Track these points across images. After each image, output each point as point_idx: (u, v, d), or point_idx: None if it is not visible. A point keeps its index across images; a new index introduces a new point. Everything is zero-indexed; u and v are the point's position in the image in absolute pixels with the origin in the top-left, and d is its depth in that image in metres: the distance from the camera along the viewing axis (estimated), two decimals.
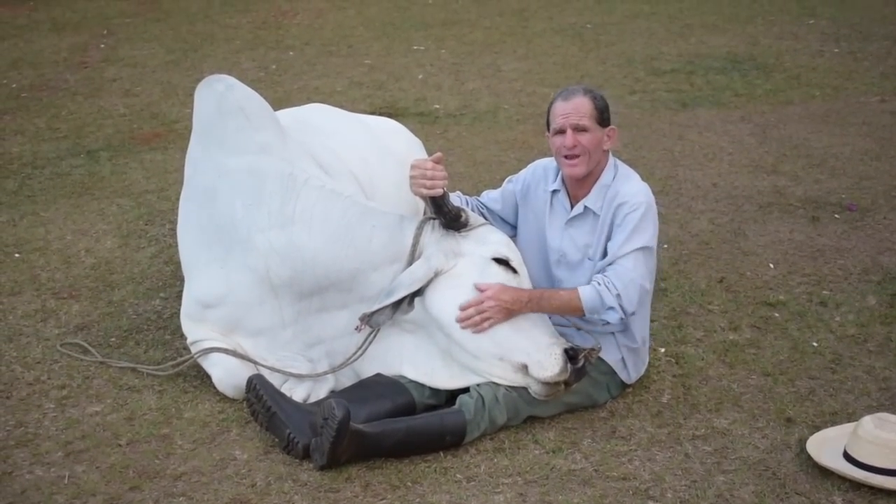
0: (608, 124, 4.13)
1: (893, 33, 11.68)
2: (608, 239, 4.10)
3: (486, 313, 3.89)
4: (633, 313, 4.02)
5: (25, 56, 10.96)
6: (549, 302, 4.00)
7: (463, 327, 3.92)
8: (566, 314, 4.09)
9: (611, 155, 4.21)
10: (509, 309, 3.92)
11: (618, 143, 4.19)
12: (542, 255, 4.31)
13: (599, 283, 3.95)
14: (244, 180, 4.12)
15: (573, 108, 4.06)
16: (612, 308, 3.93)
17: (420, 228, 4.04)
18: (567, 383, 3.93)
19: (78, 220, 6.23)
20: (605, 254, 4.11)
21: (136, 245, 5.88)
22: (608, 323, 4.07)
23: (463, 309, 3.91)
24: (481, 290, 3.92)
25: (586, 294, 3.95)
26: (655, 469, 3.79)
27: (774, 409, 4.18)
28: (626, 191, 4.09)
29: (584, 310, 3.97)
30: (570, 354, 3.92)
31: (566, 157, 4.08)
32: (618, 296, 3.92)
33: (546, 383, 3.90)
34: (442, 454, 3.85)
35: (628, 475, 3.75)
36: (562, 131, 4.07)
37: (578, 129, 4.03)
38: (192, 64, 10.62)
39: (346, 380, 4.20)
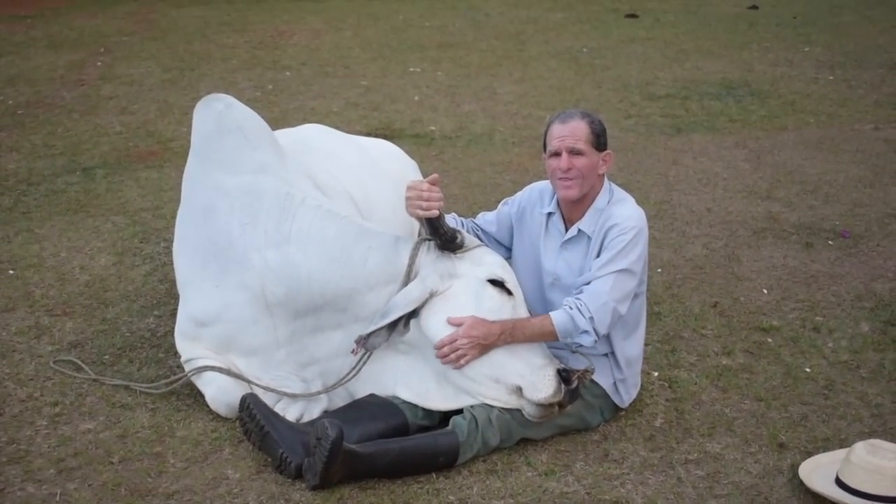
0: (604, 149, 4.14)
1: (888, 61, 11.76)
2: None
3: (459, 351, 3.90)
4: (605, 335, 4.03)
5: (22, 73, 10.98)
6: (521, 332, 3.99)
7: (443, 363, 3.93)
8: (540, 340, 4.06)
9: (606, 179, 4.22)
10: (483, 344, 3.92)
11: (613, 167, 4.19)
12: (537, 277, 4.32)
13: (571, 308, 3.95)
14: (241, 199, 4.13)
15: (569, 132, 4.07)
16: (585, 331, 3.94)
17: (416, 249, 4.05)
18: (561, 405, 3.94)
19: (73, 238, 6.23)
20: None
21: (131, 263, 5.87)
22: (580, 346, 4.06)
23: (437, 347, 3.92)
24: (455, 325, 3.92)
25: (558, 319, 3.95)
26: (648, 493, 3.78)
27: (767, 435, 4.18)
28: (619, 214, 4.10)
29: (558, 335, 3.97)
30: (564, 376, 3.93)
31: (560, 179, 4.09)
32: (591, 318, 3.92)
33: (540, 405, 3.91)
34: (435, 475, 3.84)
35: (620, 499, 3.74)
36: (557, 154, 4.08)
37: (574, 152, 4.05)
38: (188, 83, 10.65)
39: (340, 400, 4.20)
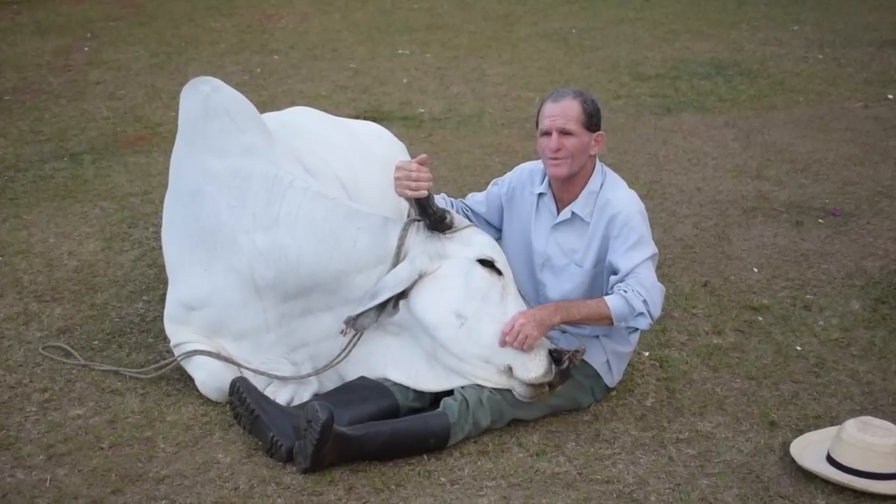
0: (597, 129, 4.11)
1: (877, 39, 11.76)
2: (602, 249, 4.11)
3: (522, 332, 3.87)
4: (658, 317, 4.03)
5: (8, 59, 10.92)
6: (577, 310, 3.97)
7: (513, 346, 3.91)
8: (594, 322, 4.04)
9: (598, 161, 4.21)
10: (542, 322, 3.91)
11: (603, 147, 4.19)
12: (527, 258, 4.31)
13: (626, 291, 3.92)
14: (229, 182, 4.11)
15: (560, 111, 4.05)
16: (641, 314, 3.92)
17: (405, 230, 4.03)
18: (551, 385, 3.94)
19: (61, 223, 6.20)
20: (596, 262, 4.13)
21: (120, 248, 5.85)
22: (636, 330, 4.09)
23: (502, 340, 3.90)
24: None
25: (614, 303, 3.92)
26: (639, 472, 3.79)
27: (758, 413, 4.19)
28: (617, 200, 4.09)
29: (613, 318, 3.93)
30: (555, 356, 3.92)
31: (550, 158, 4.07)
32: (644, 301, 3.90)
33: (530, 385, 3.90)
34: (426, 457, 3.84)
35: (612, 478, 3.75)
36: (548, 133, 4.06)
37: (564, 132, 4.02)
38: (176, 67, 10.60)
39: (330, 383, 4.19)
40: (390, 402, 4.00)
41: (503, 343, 3.90)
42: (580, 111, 4.05)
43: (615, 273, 4.01)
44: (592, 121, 4.09)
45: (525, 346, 3.87)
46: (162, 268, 4.72)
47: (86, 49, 11.42)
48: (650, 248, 4.03)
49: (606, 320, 3.95)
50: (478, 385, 3.96)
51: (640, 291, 3.90)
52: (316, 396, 4.11)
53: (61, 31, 12.44)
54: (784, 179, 7.09)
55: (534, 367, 3.90)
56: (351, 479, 3.71)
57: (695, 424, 4.11)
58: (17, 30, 12.51)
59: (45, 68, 10.53)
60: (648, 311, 3.92)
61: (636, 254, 3.99)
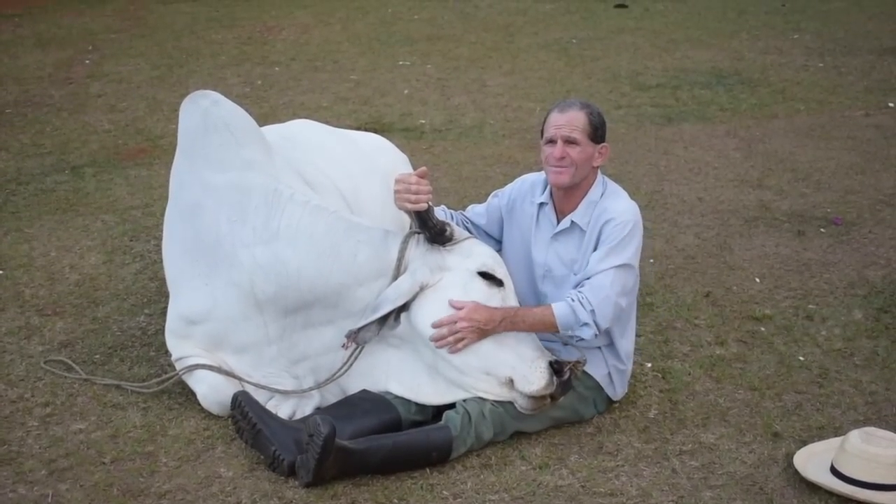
0: (602, 141, 4.12)
1: (877, 47, 11.77)
2: None
3: (458, 334, 3.88)
4: (606, 329, 4.03)
5: (10, 72, 10.93)
6: (522, 319, 3.98)
7: (437, 346, 3.91)
8: (540, 331, 4.06)
9: (599, 172, 4.21)
10: (482, 329, 3.90)
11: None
12: (528, 269, 4.31)
13: (573, 300, 3.94)
14: (229, 196, 4.11)
15: (566, 121, 4.06)
16: (586, 324, 3.93)
17: (405, 243, 4.03)
18: (553, 396, 3.93)
19: (62, 237, 6.20)
20: None
21: (121, 261, 5.85)
22: (581, 339, 4.06)
23: (436, 326, 3.90)
24: (457, 308, 3.91)
25: (560, 310, 3.95)
26: (642, 485, 3.78)
27: (761, 424, 4.18)
28: (614, 208, 4.09)
29: (558, 326, 3.96)
30: (556, 367, 3.92)
31: (553, 166, 4.07)
32: (592, 311, 3.91)
33: (532, 397, 3.90)
34: (428, 470, 3.83)
35: (615, 491, 3.74)
36: (553, 141, 4.07)
37: (569, 141, 4.03)
38: (177, 80, 10.61)
39: (332, 396, 4.18)
40: (392, 415, 3.99)
41: (433, 338, 3.90)
42: (586, 122, 4.06)
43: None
44: (598, 133, 4.10)
45: (454, 350, 3.89)
46: (163, 281, 4.71)
47: (87, 61, 11.44)
48: (623, 258, 4.00)
49: (552, 328, 3.98)
50: (480, 398, 3.95)
51: (590, 300, 3.91)
52: (318, 410, 4.10)
53: (62, 43, 12.45)
54: (785, 189, 7.09)
55: (535, 379, 3.89)
56: (353, 493, 3.70)
57: (698, 436, 4.10)
58: (18, 42, 12.53)
59: (47, 81, 10.54)
60: (595, 321, 3.92)
61: (606, 259, 3.99)
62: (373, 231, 4.07)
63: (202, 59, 11.66)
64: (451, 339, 3.89)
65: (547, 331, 4.03)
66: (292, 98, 9.89)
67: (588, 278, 4.00)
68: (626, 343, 4.23)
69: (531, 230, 4.29)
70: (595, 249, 4.08)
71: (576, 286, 4.04)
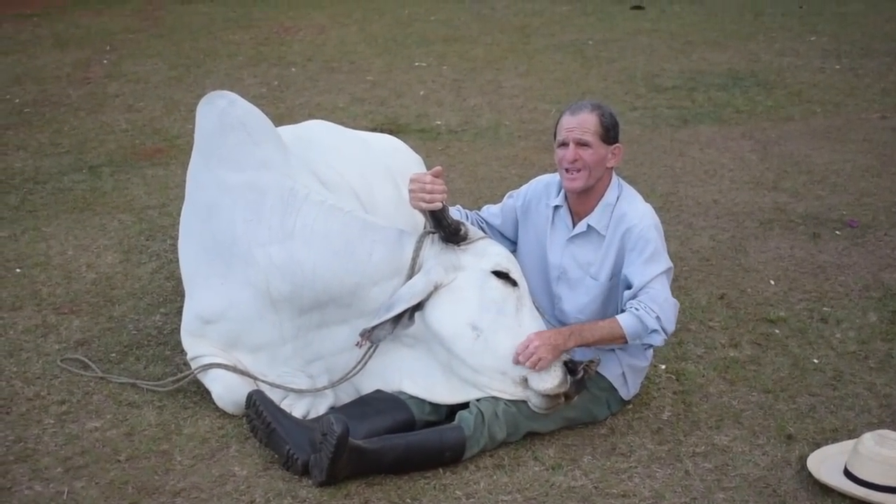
0: (614, 142, 4.12)
1: (894, 50, 11.72)
2: (617, 262, 4.11)
3: (535, 355, 3.86)
4: (672, 332, 4.03)
5: (28, 71, 10.98)
6: (591, 333, 3.98)
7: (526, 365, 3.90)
8: (608, 343, 4.06)
9: (614, 174, 4.21)
10: (556, 346, 3.90)
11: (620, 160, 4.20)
12: (543, 271, 4.31)
13: (637, 309, 3.94)
14: (245, 195, 4.13)
15: (578, 123, 4.07)
16: (654, 331, 3.93)
17: (420, 242, 4.05)
18: (567, 396, 3.94)
19: (79, 236, 6.24)
20: (611, 276, 4.14)
21: (137, 260, 5.88)
22: (651, 346, 4.08)
23: (515, 358, 3.90)
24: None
25: (627, 321, 3.94)
26: (655, 486, 3.78)
27: (775, 426, 4.17)
28: (633, 213, 4.10)
29: (627, 337, 3.95)
30: (570, 367, 3.93)
31: (566, 170, 4.08)
32: (657, 318, 3.92)
33: (546, 396, 3.90)
34: (441, 470, 3.84)
35: (628, 492, 3.74)
36: (565, 144, 4.08)
37: (581, 143, 4.04)
38: (194, 80, 10.64)
39: (346, 396, 4.20)
40: (406, 415, 4.00)
41: (516, 361, 3.90)
42: (597, 123, 4.07)
43: (629, 287, 4.02)
44: (610, 134, 4.10)
45: (537, 368, 3.88)
46: (179, 280, 4.74)
47: (105, 62, 11.48)
48: (664, 263, 4.03)
49: (621, 340, 3.97)
50: (493, 398, 3.96)
51: (652, 308, 3.91)
52: (332, 409, 4.12)
53: (81, 43, 12.51)
54: (801, 191, 7.08)
55: (549, 377, 3.90)
56: (366, 493, 3.71)
57: (711, 438, 4.10)
58: (36, 42, 12.59)
59: (65, 80, 10.59)
60: (662, 328, 3.92)
61: (650, 268, 3.99)
62: (388, 231, 4.09)
63: (219, 59, 11.69)
64: (532, 359, 3.87)
65: (615, 343, 4.03)
66: (309, 99, 9.91)
67: (640, 290, 3.98)
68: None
69: (546, 232, 4.30)
70: (617, 257, 4.10)
71: (625, 302, 4.03)
